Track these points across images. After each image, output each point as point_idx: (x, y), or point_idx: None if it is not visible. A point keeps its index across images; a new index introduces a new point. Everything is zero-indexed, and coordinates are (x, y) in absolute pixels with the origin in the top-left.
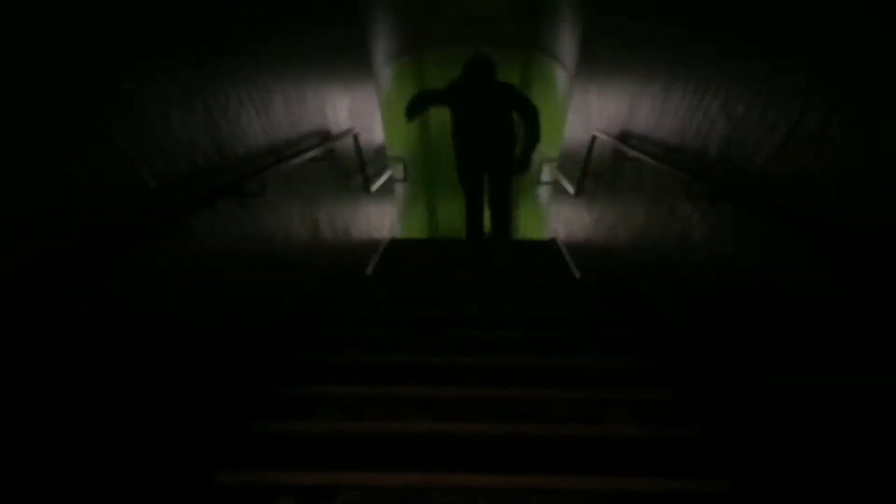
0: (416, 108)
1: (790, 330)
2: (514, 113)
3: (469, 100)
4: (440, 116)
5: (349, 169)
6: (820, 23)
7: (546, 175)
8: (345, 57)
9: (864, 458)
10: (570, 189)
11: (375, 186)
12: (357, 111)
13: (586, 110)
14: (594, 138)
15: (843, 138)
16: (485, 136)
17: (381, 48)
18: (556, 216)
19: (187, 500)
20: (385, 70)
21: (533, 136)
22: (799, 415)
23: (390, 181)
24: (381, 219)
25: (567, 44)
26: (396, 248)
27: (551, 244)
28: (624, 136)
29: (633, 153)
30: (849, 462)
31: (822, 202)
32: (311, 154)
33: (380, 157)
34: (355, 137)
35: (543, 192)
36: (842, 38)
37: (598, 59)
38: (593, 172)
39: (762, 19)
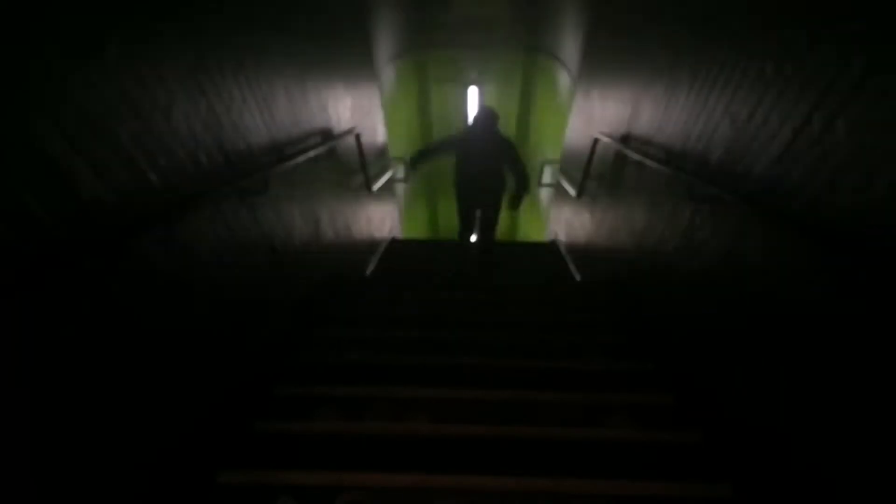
0: (422, 159)
1: (791, 333)
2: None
3: (474, 147)
4: (443, 118)
5: (351, 168)
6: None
7: (547, 177)
8: (347, 57)
9: (861, 461)
10: (572, 191)
11: (377, 186)
12: (359, 111)
13: (589, 112)
14: (596, 140)
15: (848, 142)
16: (482, 181)
17: (384, 48)
18: (557, 218)
19: (189, 500)
20: (387, 70)
21: (521, 185)
22: (800, 420)
23: (392, 181)
24: (381, 219)
25: (569, 45)
26: (397, 248)
27: (551, 246)
28: (626, 139)
29: (635, 156)
30: (848, 465)
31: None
32: (313, 153)
33: (381, 157)
34: (357, 137)
35: (544, 194)
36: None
37: (600, 61)
38: (595, 174)
39: (766, 16)
